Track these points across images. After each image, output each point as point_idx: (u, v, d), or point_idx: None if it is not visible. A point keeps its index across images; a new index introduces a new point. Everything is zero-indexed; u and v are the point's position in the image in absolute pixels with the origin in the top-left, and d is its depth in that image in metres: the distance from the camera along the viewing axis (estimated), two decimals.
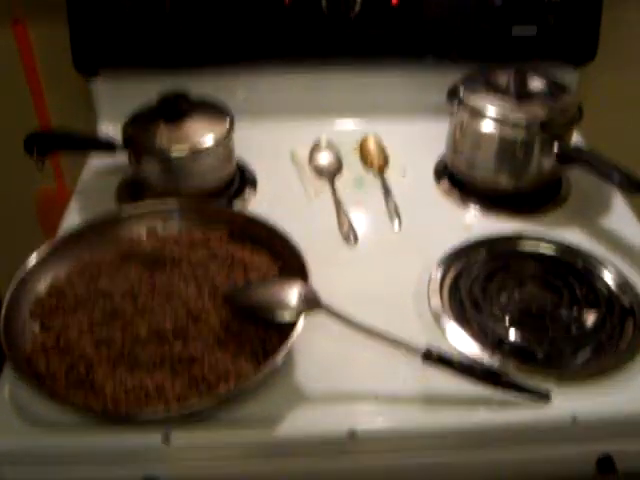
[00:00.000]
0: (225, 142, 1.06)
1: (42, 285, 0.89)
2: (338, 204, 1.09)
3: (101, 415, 0.75)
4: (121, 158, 1.08)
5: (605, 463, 0.82)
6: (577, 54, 1.23)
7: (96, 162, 1.18)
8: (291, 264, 0.89)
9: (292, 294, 0.80)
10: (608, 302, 0.91)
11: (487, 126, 1.05)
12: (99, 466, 0.77)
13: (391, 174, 1.16)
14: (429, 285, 0.94)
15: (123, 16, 1.14)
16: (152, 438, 0.75)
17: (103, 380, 0.76)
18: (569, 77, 1.20)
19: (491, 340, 0.86)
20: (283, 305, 0.80)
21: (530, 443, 0.81)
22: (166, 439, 0.74)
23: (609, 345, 0.86)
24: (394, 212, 1.08)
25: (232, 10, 1.15)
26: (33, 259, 0.88)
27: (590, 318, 0.89)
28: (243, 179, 1.13)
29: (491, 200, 1.10)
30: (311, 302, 0.80)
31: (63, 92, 1.31)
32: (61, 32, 1.17)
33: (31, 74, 1.29)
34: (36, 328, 0.85)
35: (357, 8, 1.15)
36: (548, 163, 1.05)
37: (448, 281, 0.95)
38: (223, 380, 0.77)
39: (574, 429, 0.79)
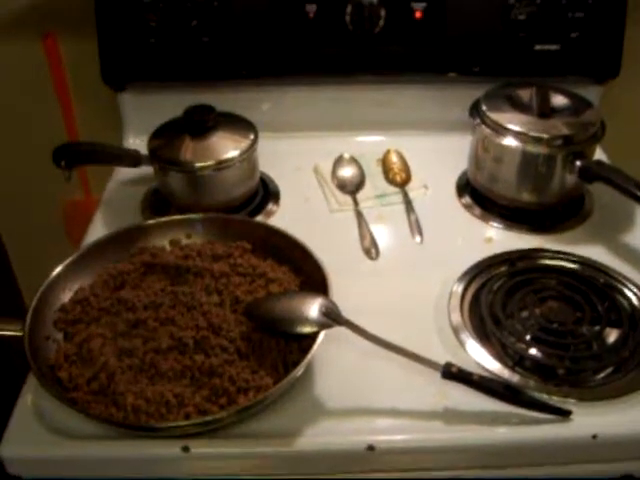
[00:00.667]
0: (249, 156, 1.07)
1: (66, 295, 0.90)
2: (360, 218, 1.09)
3: (122, 425, 0.76)
4: (147, 169, 1.10)
5: None
6: (600, 70, 1.23)
7: (122, 173, 1.19)
8: (313, 278, 0.89)
9: (313, 308, 0.81)
10: (630, 319, 0.90)
11: (509, 142, 1.05)
12: (119, 476, 0.77)
13: (413, 188, 1.16)
14: (450, 300, 0.94)
15: (150, 31, 1.16)
16: (172, 449, 0.75)
17: (124, 390, 0.77)
18: (592, 93, 1.20)
19: (512, 356, 0.86)
20: (304, 319, 0.80)
21: (550, 461, 0.81)
22: (186, 450, 0.75)
23: (631, 363, 0.86)
24: (416, 226, 1.08)
25: (257, 25, 1.17)
26: (58, 269, 0.90)
27: (612, 335, 0.89)
28: (266, 193, 1.14)
29: (513, 215, 1.09)
30: (332, 316, 0.80)
31: (91, 105, 1.33)
32: (90, 46, 1.19)
33: (60, 87, 1.31)
34: (60, 337, 0.86)
35: (381, 23, 1.16)
36: (570, 179, 1.05)
37: (469, 296, 0.95)
38: (243, 392, 0.77)
39: (595, 448, 0.78)
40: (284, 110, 1.26)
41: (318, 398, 0.82)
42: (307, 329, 0.80)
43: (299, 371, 0.78)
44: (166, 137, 1.08)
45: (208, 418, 0.74)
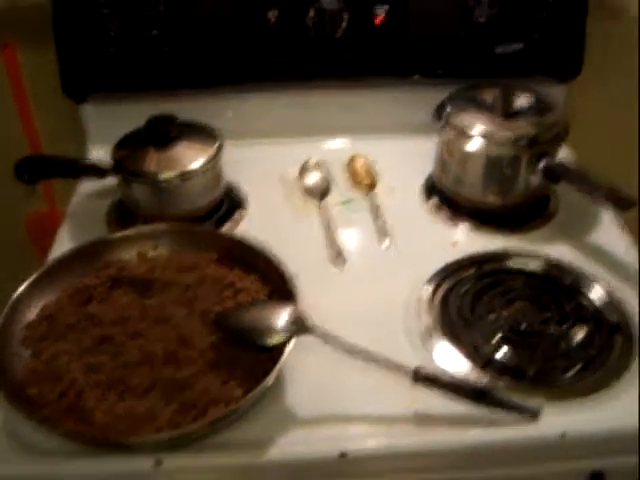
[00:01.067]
0: (214, 165, 1.07)
1: (33, 311, 0.89)
2: (327, 224, 1.09)
3: (92, 442, 0.75)
4: (112, 181, 1.09)
5: (597, 479, 0.83)
6: (563, 69, 1.24)
7: (87, 185, 1.18)
8: (281, 287, 0.89)
9: (282, 317, 0.81)
10: (596, 318, 0.91)
11: (474, 144, 1.05)
12: None
13: (380, 193, 1.16)
14: (418, 303, 0.94)
15: (110, 41, 1.14)
16: (144, 464, 0.75)
17: (94, 406, 0.76)
18: (555, 93, 1.21)
19: (481, 358, 0.87)
20: (272, 328, 0.80)
21: (520, 461, 0.81)
22: (158, 464, 0.74)
23: (598, 361, 0.87)
24: (383, 231, 1.08)
25: (217, 32, 1.16)
26: (22, 287, 0.89)
27: (579, 334, 0.90)
28: (232, 201, 1.14)
29: (479, 217, 1.10)
30: (300, 325, 0.80)
31: (53, 115, 1.31)
32: (50, 56, 1.18)
33: (20, 98, 1.29)
34: (27, 354, 0.85)
35: (343, 27, 1.16)
36: (535, 180, 1.06)
37: (437, 299, 0.95)
38: (214, 404, 0.77)
39: (564, 446, 0.79)
40: (248, 117, 1.25)
41: (289, 407, 0.82)
42: (276, 339, 0.80)
43: (269, 381, 0.77)
44: (129, 148, 1.07)
45: (179, 432, 0.74)
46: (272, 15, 1.15)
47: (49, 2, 1.14)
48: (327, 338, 0.80)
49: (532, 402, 0.81)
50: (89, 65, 1.17)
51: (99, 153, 1.23)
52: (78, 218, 1.13)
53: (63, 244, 1.06)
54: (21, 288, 0.89)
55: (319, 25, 1.15)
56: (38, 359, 0.83)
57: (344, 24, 1.15)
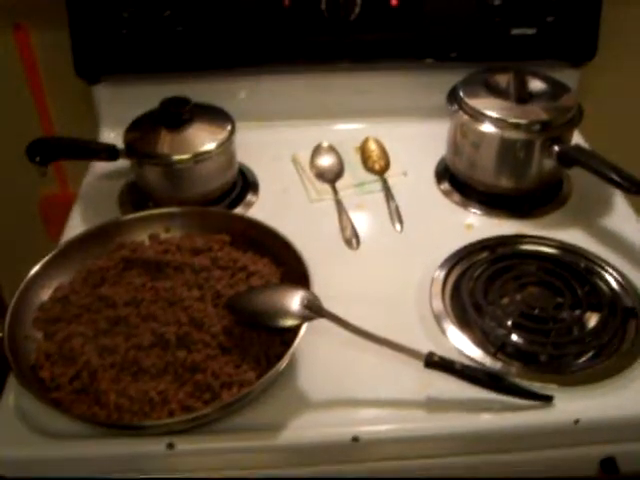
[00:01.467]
0: (227, 148, 1.06)
1: (46, 293, 0.89)
2: (340, 207, 1.09)
3: (105, 425, 0.75)
4: (124, 163, 1.09)
5: (608, 464, 0.83)
6: (577, 53, 1.23)
7: (99, 166, 1.18)
8: (293, 270, 0.89)
9: (294, 301, 0.80)
10: (610, 303, 0.91)
11: (487, 128, 1.05)
12: (104, 474, 0.77)
13: (392, 176, 1.16)
14: (431, 288, 0.94)
15: (123, 23, 1.14)
16: (157, 446, 0.75)
17: (107, 389, 0.76)
18: (569, 77, 1.19)
19: (493, 343, 0.87)
20: (285, 312, 0.80)
21: (533, 446, 0.81)
22: (171, 447, 0.75)
23: (611, 347, 0.87)
24: (395, 214, 1.08)
25: (231, 13, 1.16)
26: (36, 268, 0.89)
27: (592, 320, 0.90)
28: (245, 183, 1.14)
29: (492, 201, 1.10)
30: (313, 309, 0.80)
31: (65, 97, 1.31)
32: (63, 38, 1.18)
33: (33, 79, 1.29)
34: (40, 336, 0.85)
35: (357, 10, 1.15)
36: (548, 164, 1.05)
37: (450, 283, 0.95)
38: (226, 387, 0.77)
39: (577, 432, 0.79)
40: (261, 99, 1.25)
41: (301, 391, 0.82)
42: (289, 322, 0.80)
43: (282, 364, 0.77)
44: (142, 130, 1.07)
45: (192, 415, 0.74)
46: None
47: None
48: (339, 322, 0.80)
49: (545, 388, 0.81)
50: (102, 46, 1.17)
51: (111, 135, 1.23)
52: (90, 199, 1.13)
53: (75, 226, 1.06)
54: (34, 269, 0.89)
55: (333, 7, 1.14)
56: (51, 341, 0.83)
57: (357, 7, 1.14)
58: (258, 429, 0.78)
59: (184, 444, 0.75)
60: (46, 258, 0.90)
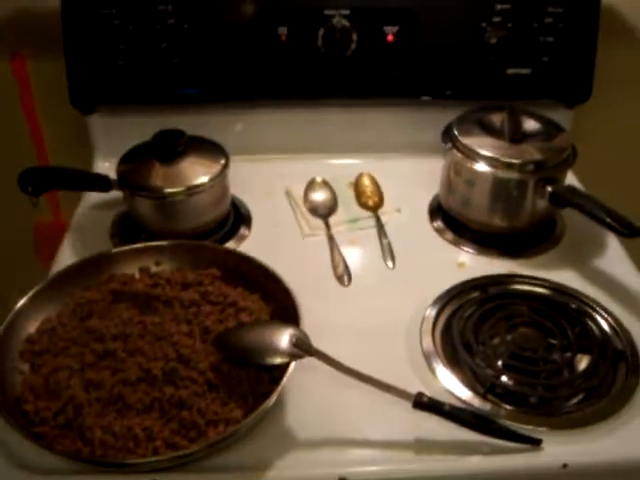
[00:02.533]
0: (220, 181, 1.06)
1: (33, 325, 0.88)
2: (332, 243, 1.09)
3: (89, 462, 0.74)
4: (117, 193, 1.09)
5: None
6: (571, 94, 1.24)
7: (92, 196, 1.17)
8: (284, 306, 0.88)
9: (283, 338, 0.80)
10: (601, 345, 0.91)
11: (481, 167, 1.05)
12: None
13: (386, 212, 1.16)
14: (422, 326, 0.94)
15: (120, 54, 1.15)
16: None
17: (92, 424, 0.75)
18: (563, 117, 1.20)
19: (483, 384, 0.86)
20: (274, 349, 0.79)
21: None
22: None
23: (602, 390, 0.86)
24: (388, 251, 1.08)
25: (228, 47, 1.16)
26: (24, 299, 0.88)
27: (583, 362, 0.89)
28: (238, 217, 1.14)
29: (485, 240, 1.10)
30: (302, 347, 0.79)
31: (61, 125, 1.31)
32: (59, 67, 1.18)
33: (29, 108, 1.29)
34: (26, 368, 0.84)
35: (353, 47, 1.16)
36: (542, 204, 1.05)
37: (441, 322, 0.95)
38: (212, 425, 0.76)
39: (565, 476, 0.78)
40: (255, 133, 1.25)
41: (289, 429, 0.81)
42: (277, 360, 0.79)
43: (269, 403, 0.76)
44: (135, 162, 1.07)
45: (177, 453, 0.73)
46: (282, 32, 1.16)
47: (59, 13, 1.14)
48: (328, 361, 0.80)
49: (534, 431, 0.80)
50: (98, 77, 1.17)
51: (105, 165, 1.24)
52: (82, 230, 1.13)
53: (66, 256, 1.06)
54: (22, 301, 0.88)
55: (329, 43, 1.15)
56: (37, 374, 0.83)
57: (354, 43, 1.16)
58: (244, 468, 0.76)
59: None
60: (34, 290, 0.90)
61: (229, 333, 0.85)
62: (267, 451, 0.78)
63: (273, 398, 0.77)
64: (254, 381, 0.80)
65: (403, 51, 1.17)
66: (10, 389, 0.81)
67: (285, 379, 0.77)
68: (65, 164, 1.12)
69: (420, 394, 0.79)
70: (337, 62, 1.17)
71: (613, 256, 1.08)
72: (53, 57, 1.20)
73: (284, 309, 0.88)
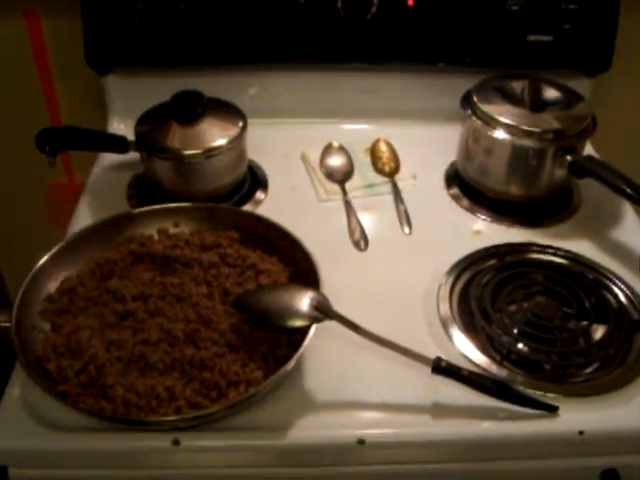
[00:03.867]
0: (238, 144, 1.06)
1: (53, 285, 0.89)
2: (349, 208, 1.09)
3: (112, 420, 0.75)
4: (133, 155, 1.08)
5: (609, 476, 0.83)
6: (592, 63, 1.22)
7: (107, 157, 1.17)
8: (302, 269, 0.89)
9: (304, 301, 0.80)
10: (617, 315, 0.91)
11: (500, 134, 1.04)
12: (108, 469, 0.77)
13: (402, 179, 1.15)
14: (439, 292, 0.94)
15: (137, 14, 1.13)
16: (162, 442, 0.75)
17: (114, 383, 0.76)
18: (583, 87, 1.19)
19: (499, 351, 0.87)
20: (294, 312, 0.80)
21: (535, 455, 0.81)
22: (176, 443, 0.75)
23: (617, 359, 0.87)
24: (404, 217, 1.08)
25: (246, 9, 1.15)
26: (44, 258, 0.88)
27: (599, 331, 0.90)
28: (254, 180, 1.13)
29: (501, 208, 1.09)
30: (323, 310, 0.80)
31: (75, 86, 1.30)
32: (75, 26, 1.16)
33: (43, 67, 1.28)
34: (47, 328, 0.85)
35: (373, 9, 1.14)
36: (560, 173, 1.05)
37: (458, 289, 0.95)
38: (233, 386, 0.77)
39: (581, 443, 0.79)
40: (273, 96, 1.24)
41: (308, 391, 0.82)
42: (298, 323, 0.80)
43: (290, 365, 0.77)
44: (153, 123, 1.06)
45: (199, 413, 0.74)
46: None
47: None
48: (348, 324, 0.80)
49: (548, 397, 0.81)
50: (115, 36, 1.16)
51: (120, 126, 1.23)
52: (98, 191, 1.12)
53: (83, 217, 1.05)
54: (42, 260, 0.88)
55: (349, 6, 1.13)
56: (58, 333, 0.83)
57: (374, 7, 1.14)
58: (264, 428, 0.77)
59: (190, 441, 0.75)
60: (54, 249, 0.90)
61: (249, 295, 0.86)
62: (286, 412, 0.79)
63: (294, 361, 0.77)
64: (274, 343, 0.81)
65: (423, 16, 1.16)
66: (31, 348, 0.81)
67: (306, 342, 0.78)
68: (78, 125, 1.11)
69: (439, 359, 0.80)
70: (356, 26, 1.16)
71: (630, 227, 1.08)
72: (68, 15, 1.19)
73: (302, 272, 0.89)
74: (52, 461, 0.76)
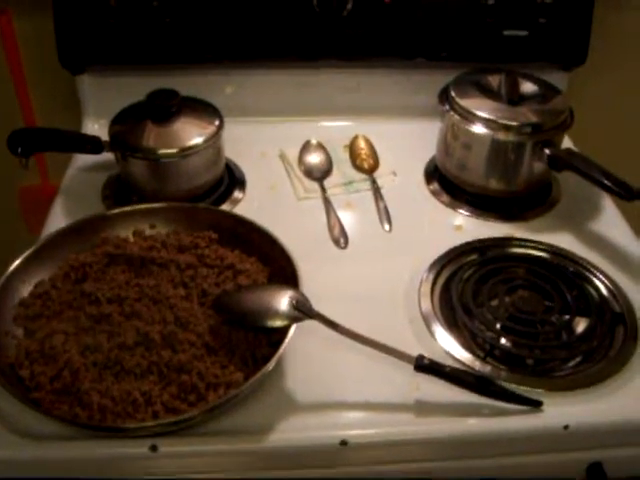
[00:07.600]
0: (214, 143, 1.04)
1: (26, 289, 0.87)
2: (328, 205, 1.08)
3: (87, 427, 0.73)
4: (108, 155, 1.06)
5: (595, 470, 0.82)
6: (567, 57, 1.22)
7: (82, 158, 1.15)
8: (282, 268, 0.88)
9: (283, 301, 0.79)
10: (599, 308, 0.91)
11: (478, 129, 1.04)
12: (85, 477, 0.75)
13: (381, 175, 1.14)
14: (420, 288, 0.93)
15: (110, 12, 1.12)
16: (140, 448, 0.73)
17: (89, 388, 0.74)
18: (559, 80, 1.19)
19: (482, 346, 0.86)
20: (274, 312, 0.79)
21: (521, 451, 0.81)
22: (154, 449, 0.73)
23: (599, 352, 0.86)
24: (384, 214, 1.07)
25: (220, 6, 1.13)
26: (16, 262, 0.86)
27: (581, 325, 0.89)
28: (232, 180, 1.12)
29: (481, 203, 1.09)
30: (303, 309, 0.78)
31: (48, 87, 1.28)
32: (48, 25, 1.14)
33: (15, 67, 1.26)
34: (20, 333, 0.83)
35: (349, 6, 1.14)
36: (539, 167, 1.05)
37: (439, 285, 0.94)
38: (212, 388, 0.75)
39: (566, 437, 0.79)
40: (249, 94, 1.23)
41: (289, 393, 0.80)
42: (278, 323, 0.79)
43: (270, 366, 0.76)
44: (128, 123, 1.05)
45: (177, 418, 0.73)
46: None
47: None
48: (329, 324, 0.79)
49: (532, 392, 0.80)
50: (88, 35, 1.14)
51: (94, 127, 1.22)
52: (72, 193, 1.10)
53: (57, 219, 1.03)
54: (14, 264, 0.86)
55: (325, 2, 1.12)
56: (31, 338, 0.81)
57: (350, 3, 1.13)
58: (244, 432, 0.76)
59: (168, 447, 0.74)
60: (27, 252, 0.88)
61: (228, 296, 0.84)
62: (267, 415, 0.78)
63: (274, 361, 0.76)
64: (253, 344, 0.79)
65: (400, 12, 1.15)
66: (4, 354, 0.79)
67: (286, 342, 0.77)
68: (53, 125, 1.10)
69: (421, 356, 0.79)
70: (332, 22, 1.15)
71: (609, 219, 1.08)
72: (41, 14, 1.16)
73: (282, 272, 0.87)
74: (27, 470, 0.74)
